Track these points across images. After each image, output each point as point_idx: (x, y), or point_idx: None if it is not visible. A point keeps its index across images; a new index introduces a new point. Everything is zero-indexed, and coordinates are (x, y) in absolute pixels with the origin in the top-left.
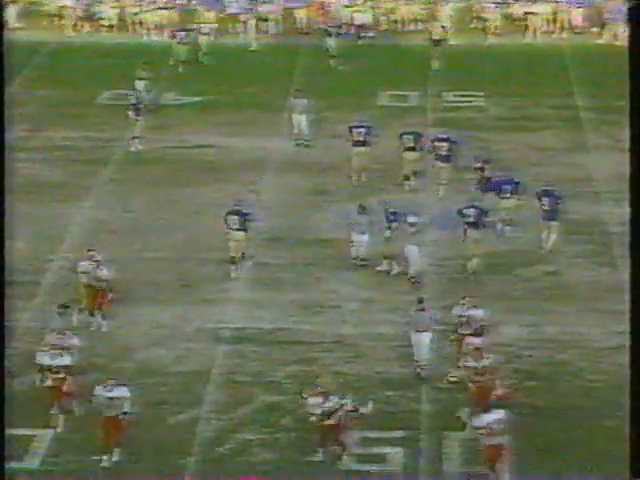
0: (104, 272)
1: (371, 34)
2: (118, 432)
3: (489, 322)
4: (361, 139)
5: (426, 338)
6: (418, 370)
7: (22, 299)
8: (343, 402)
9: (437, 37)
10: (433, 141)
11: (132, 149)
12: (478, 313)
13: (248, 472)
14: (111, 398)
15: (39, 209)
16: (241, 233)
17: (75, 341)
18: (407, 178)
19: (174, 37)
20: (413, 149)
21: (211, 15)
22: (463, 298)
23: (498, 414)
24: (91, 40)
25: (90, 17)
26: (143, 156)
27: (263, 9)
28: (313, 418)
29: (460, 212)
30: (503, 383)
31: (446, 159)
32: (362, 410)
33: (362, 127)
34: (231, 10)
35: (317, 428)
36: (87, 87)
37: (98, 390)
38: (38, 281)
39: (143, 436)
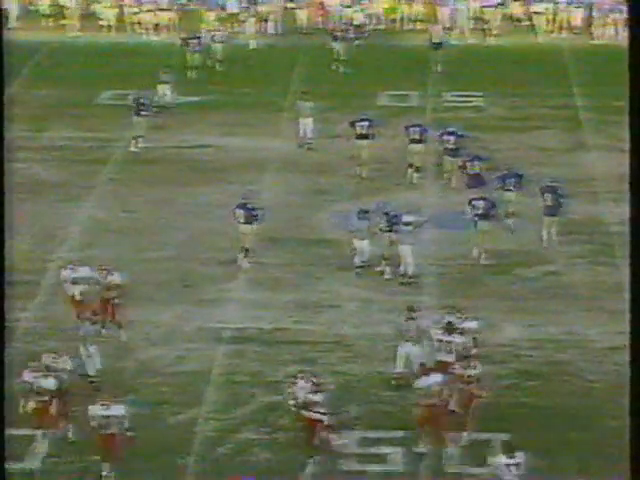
0: (115, 278)
1: (371, 34)
2: (115, 450)
3: (489, 322)
4: (364, 132)
5: (412, 349)
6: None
7: (22, 299)
8: (326, 412)
9: (437, 40)
10: (441, 135)
11: (132, 149)
12: (472, 325)
13: (248, 472)
14: (107, 417)
15: (39, 209)
16: (247, 226)
17: (67, 365)
18: (411, 166)
19: (187, 45)
20: (418, 141)
21: (212, 15)
22: (458, 311)
23: (436, 377)
24: (91, 40)
25: (90, 17)
26: (143, 156)
27: (263, 9)
28: (292, 402)
29: (470, 204)
30: (486, 392)
31: (453, 152)
32: (334, 439)
33: (365, 120)
34: (231, 10)
35: (299, 419)
36: (87, 87)
37: (94, 409)
38: (38, 281)
39: (143, 436)
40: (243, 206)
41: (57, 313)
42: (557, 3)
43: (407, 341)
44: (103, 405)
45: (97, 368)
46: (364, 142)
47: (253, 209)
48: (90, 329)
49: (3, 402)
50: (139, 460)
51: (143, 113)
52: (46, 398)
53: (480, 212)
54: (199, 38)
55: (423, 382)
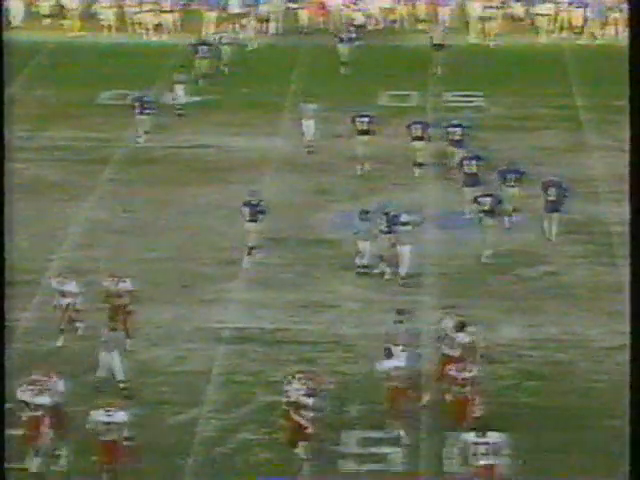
0: (127, 285)
1: (371, 34)
2: (116, 457)
3: (489, 322)
4: (365, 128)
5: (404, 353)
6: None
7: (22, 299)
8: (313, 416)
9: (439, 42)
10: (446, 127)
11: (141, 145)
12: (471, 329)
13: (248, 472)
14: (108, 423)
15: (39, 209)
16: (251, 224)
17: (60, 386)
18: (415, 164)
19: (196, 52)
20: (421, 138)
21: (213, 16)
22: (459, 316)
23: (396, 361)
24: (91, 40)
25: (90, 17)
26: (143, 156)
27: (264, 9)
28: (284, 399)
29: (476, 200)
30: (479, 397)
31: (459, 144)
32: (307, 453)
33: (365, 116)
34: (232, 10)
35: (287, 418)
36: (87, 87)
37: (96, 415)
38: (38, 281)
39: (143, 436)
40: (248, 203)
41: (57, 313)
42: (558, 3)
43: (396, 345)
44: (107, 411)
45: (120, 377)
46: (365, 138)
47: (258, 206)
48: (111, 336)
49: (3, 402)
50: (139, 460)
51: (146, 112)
52: (40, 413)
53: (486, 209)
54: (209, 45)
55: (383, 365)
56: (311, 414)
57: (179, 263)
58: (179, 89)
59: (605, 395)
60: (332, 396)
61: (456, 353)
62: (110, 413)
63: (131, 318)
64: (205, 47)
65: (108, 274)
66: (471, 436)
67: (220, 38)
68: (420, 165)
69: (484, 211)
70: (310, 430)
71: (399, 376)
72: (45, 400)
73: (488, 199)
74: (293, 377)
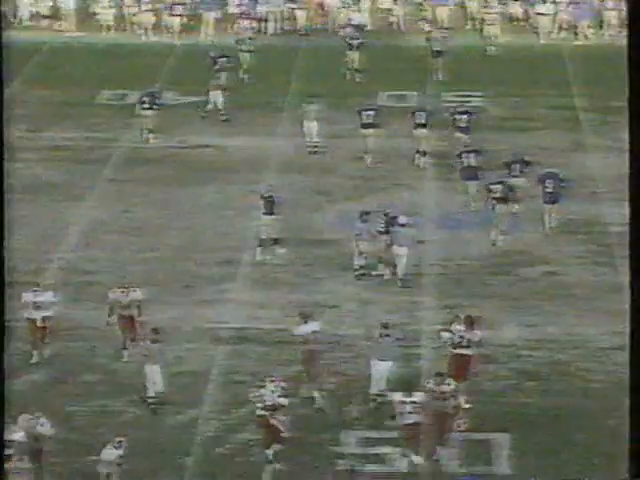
0: (137, 295)
1: (370, 34)
2: None
3: (489, 322)
4: (370, 121)
5: (386, 368)
6: (372, 404)
7: (22, 299)
8: (285, 419)
9: (437, 48)
10: (453, 113)
11: (140, 143)
12: (477, 335)
13: (248, 472)
14: (121, 456)
15: (39, 209)
16: (267, 217)
17: (47, 428)
18: (419, 152)
19: (215, 64)
20: (424, 126)
21: (211, 16)
22: (467, 317)
23: (313, 325)
24: (91, 40)
25: (88, 17)
26: (143, 156)
27: (262, 9)
28: (259, 405)
29: (487, 188)
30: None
31: (465, 130)
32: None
33: (371, 109)
34: (231, 10)
35: (261, 424)
36: (87, 87)
37: (107, 453)
38: (38, 281)
39: (143, 436)
40: (264, 196)
41: (57, 313)
42: (557, 3)
43: (380, 360)
44: (118, 442)
45: (157, 390)
46: (369, 131)
47: (271, 197)
48: (153, 348)
49: (3, 403)
50: (139, 460)
51: (155, 107)
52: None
53: (498, 196)
54: (228, 57)
55: (300, 330)
56: (283, 417)
57: (179, 263)
58: (217, 95)
59: (605, 395)
60: (332, 396)
61: (470, 352)
62: (119, 445)
63: (137, 325)
64: (224, 59)
65: (117, 285)
66: (398, 395)
67: (241, 41)
68: (424, 154)
69: (496, 198)
70: (285, 434)
71: (315, 339)
72: (21, 436)
73: (499, 186)
74: (263, 382)
